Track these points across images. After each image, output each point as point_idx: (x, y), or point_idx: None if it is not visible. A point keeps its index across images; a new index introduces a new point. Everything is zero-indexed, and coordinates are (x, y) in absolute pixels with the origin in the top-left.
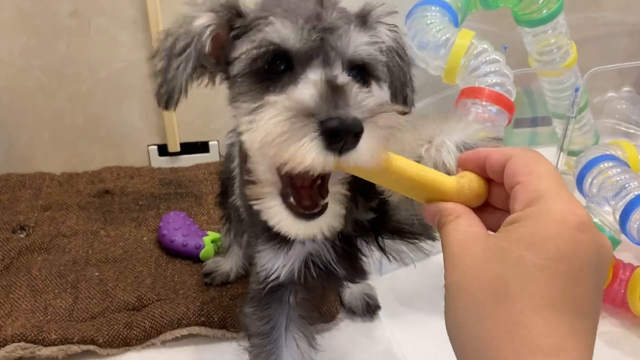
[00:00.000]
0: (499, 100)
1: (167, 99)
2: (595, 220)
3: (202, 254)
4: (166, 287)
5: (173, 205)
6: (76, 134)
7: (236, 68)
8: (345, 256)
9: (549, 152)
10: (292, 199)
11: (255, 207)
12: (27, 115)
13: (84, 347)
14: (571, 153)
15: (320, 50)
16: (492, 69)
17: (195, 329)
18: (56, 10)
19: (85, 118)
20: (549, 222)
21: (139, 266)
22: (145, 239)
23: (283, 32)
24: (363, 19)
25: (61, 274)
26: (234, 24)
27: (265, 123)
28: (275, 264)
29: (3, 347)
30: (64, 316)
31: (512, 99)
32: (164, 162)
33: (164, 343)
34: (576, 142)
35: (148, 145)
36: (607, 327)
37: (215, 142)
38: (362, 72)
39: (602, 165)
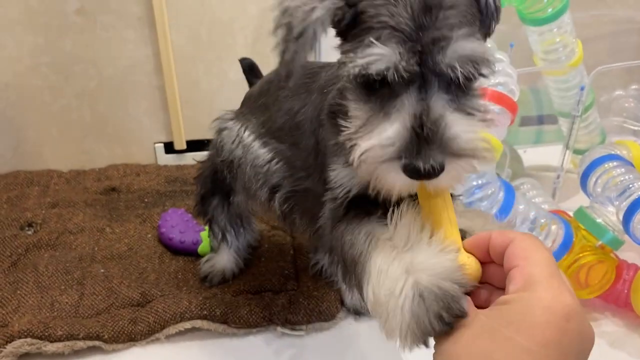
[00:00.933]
0: (502, 100)
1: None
2: (599, 220)
3: (200, 249)
4: (169, 283)
5: (178, 203)
6: (83, 130)
7: (344, 68)
8: None
9: (555, 151)
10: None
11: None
12: (34, 112)
13: (90, 343)
14: (577, 152)
15: (418, 74)
16: (496, 68)
17: (197, 322)
18: (63, 7)
19: (92, 115)
20: (539, 309)
21: (143, 262)
22: (149, 235)
23: (383, 59)
24: None
25: (67, 270)
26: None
27: (363, 147)
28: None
29: (10, 342)
30: (70, 312)
31: (516, 99)
32: (170, 160)
33: (168, 338)
34: (582, 140)
35: (154, 143)
36: (611, 327)
37: None
38: (466, 76)
39: (606, 165)
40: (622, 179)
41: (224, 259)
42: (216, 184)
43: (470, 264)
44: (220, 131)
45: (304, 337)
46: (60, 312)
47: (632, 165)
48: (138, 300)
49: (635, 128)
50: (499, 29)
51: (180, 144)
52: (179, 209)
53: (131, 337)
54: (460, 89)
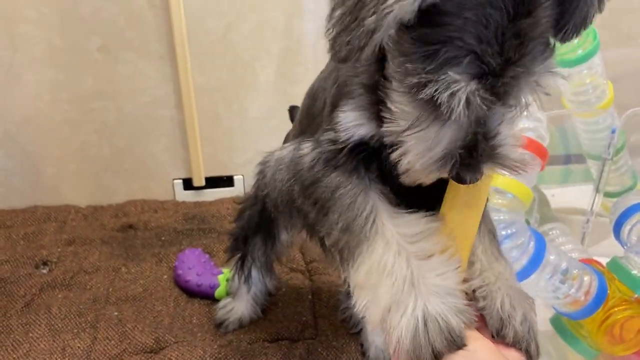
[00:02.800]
0: (531, 145)
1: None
2: (634, 272)
3: (217, 293)
4: (184, 329)
5: (195, 242)
6: (102, 166)
7: (400, 69)
8: None
9: (583, 191)
10: None
11: None
12: (54, 147)
13: None
14: (607, 194)
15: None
16: (525, 113)
17: None
18: (85, 45)
19: (111, 150)
20: None
21: (158, 305)
22: (165, 276)
23: (456, 89)
24: None
25: (81, 312)
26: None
27: (413, 156)
28: (362, 129)
29: None
30: (81, 357)
31: (546, 144)
32: (188, 196)
33: None
34: (613, 183)
35: (173, 179)
36: None
37: (240, 177)
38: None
39: None
40: None
41: (242, 306)
42: (261, 222)
43: None
44: (262, 170)
45: None
46: (71, 357)
47: None
48: (151, 347)
49: None
50: None
51: (199, 181)
52: (196, 249)
53: None
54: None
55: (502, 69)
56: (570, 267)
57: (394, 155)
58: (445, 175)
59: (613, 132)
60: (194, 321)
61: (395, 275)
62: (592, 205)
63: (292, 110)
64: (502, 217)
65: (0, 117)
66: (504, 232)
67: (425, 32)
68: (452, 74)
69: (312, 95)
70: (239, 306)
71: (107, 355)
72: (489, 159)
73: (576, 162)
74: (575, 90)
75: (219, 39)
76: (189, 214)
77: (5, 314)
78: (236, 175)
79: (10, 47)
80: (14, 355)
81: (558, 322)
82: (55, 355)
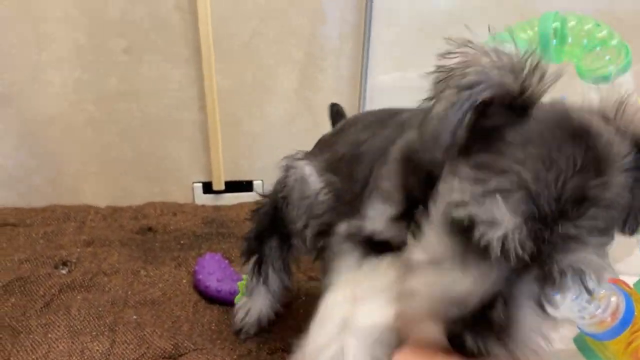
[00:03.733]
0: None
1: (433, 140)
2: None
3: (237, 299)
4: (203, 336)
5: (214, 246)
6: (123, 167)
7: (441, 192)
8: None
9: None
10: None
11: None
12: (76, 148)
13: None
14: None
15: (530, 261)
16: None
17: None
18: (111, 46)
19: (133, 152)
20: None
21: (176, 310)
22: (184, 281)
23: (497, 222)
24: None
25: (100, 315)
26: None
27: (421, 294)
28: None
29: None
30: None
31: None
32: (207, 200)
33: None
34: None
35: (193, 183)
36: None
37: (260, 182)
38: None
39: None
40: None
41: (259, 303)
42: (276, 223)
43: None
44: (287, 169)
45: None
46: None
47: None
48: (170, 353)
49: None
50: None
51: (218, 185)
52: (216, 255)
53: None
54: (554, 285)
55: (555, 220)
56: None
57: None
58: (442, 333)
59: None
60: (213, 327)
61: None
62: None
63: (333, 107)
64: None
65: (24, 116)
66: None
67: (483, 158)
68: (497, 206)
69: (359, 156)
70: (256, 304)
71: (126, 359)
72: (498, 333)
73: None
74: None
75: (244, 44)
76: (208, 217)
77: (25, 314)
78: (256, 180)
79: (37, 46)
80: (33, 356)
81: (582, 342)
82: (74, 358)
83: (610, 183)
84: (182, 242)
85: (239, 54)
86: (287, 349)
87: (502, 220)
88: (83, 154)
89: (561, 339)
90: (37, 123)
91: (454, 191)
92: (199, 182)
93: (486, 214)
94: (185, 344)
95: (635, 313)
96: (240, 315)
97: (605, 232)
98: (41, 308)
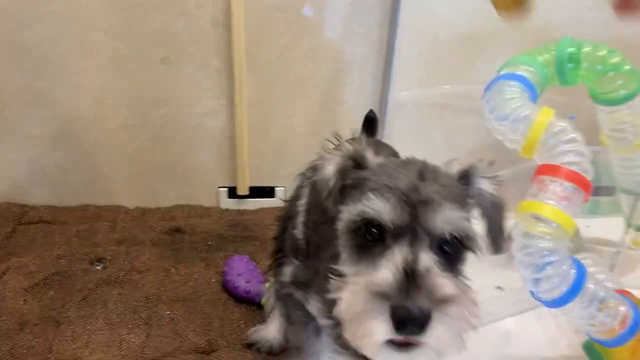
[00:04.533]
0: (577, 179)
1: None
2: None
3: (263, 301)
4: (234, 334)
5: (240, 248)
6: (153, 171)
7: (339, 225)
8: None
9: (611, 223)
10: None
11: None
12: (111, 151)
13: None
14: (637, 228)
15: (410, 226)
16: (571, 148)
17: None
18: (150, 55)
19: (163, 157)
20: None
21: (207, 308)
22: (213, 280)
23: (377, 206)
24: (464, 178)
25: (135, 309)
26: (349, 175)
27: (347, 298)
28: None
29: None
30: (136, 352)
31: (590, 178)
32: (232, 204)
33: None
34: None
35: (218, 187)
36: None
37: (282, 188)
38: (454, 245)
39: None
40: None
41: (275, 327)
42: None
43: None
44: (298, 188)
45: None
46: (127, 351)
47: None
48: (204, 348)
49: None
50: (559, 100)
51: (243, 189)
52: (244, 257)
53: None
54: (448, 259)
55: (411, 194)
56: (607, 296)
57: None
58: (384, 322)
59: None
60: (242, 326)
61: None
62: (624, 238)
63: (369, 114)
64: (545, 245)
65: (63, 117)
66: (546, 260)
67: (356, 192)
68: (372, 196)
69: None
70: (269, 331)
71: (161, 351)
72: (426, 292)
73: (604, 194)
74: (613, 127)
75: (275, 58)
76: (233, 220)
77: (64, 306)
78: (278, 186)
79: (80, 54)
80: (74, 346)
81: (590, 348)
82: (113, 349)
83: (440, 179)
84: (209, 243)
85: (270, 67)
86: None
87: (378, 203)
88: (116, 157)
89: (570, 345)
90: (74, 126)
91: (344, 210)
92: (225, 187)
93: (366, 205)
94: (219, 341)
95: None
96: (254, 337)
97: (453, 201)
98: (79, 301)
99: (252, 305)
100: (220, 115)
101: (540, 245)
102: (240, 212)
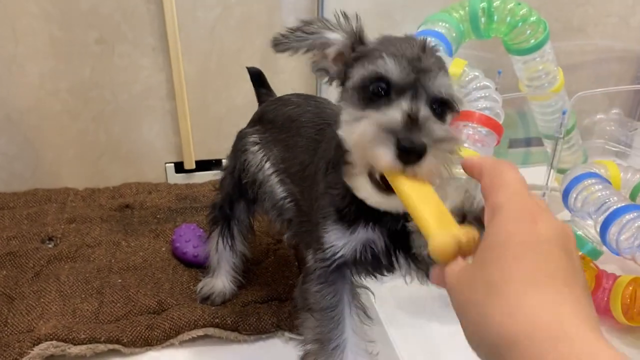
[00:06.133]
0: (489, 122)
1: (279, 47)
2: (579, 232)
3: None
4: (183, 293)
5: (189, 218)
6: (99, 151)
7: (350, 82)
8: (387, 252)
9: (541, 171)
10: (377, 177)
11: (348, 184)
12: (53, 135)
13: (110, 346)
14: (561, 171)
15: (413, 85)
16: (483, 95)
17: (210, 330)
18: (84, 37)
19: (108, 137)
20: (507, 224)
21: (158, 273)
22: (163, 249)
23: (389, 67)
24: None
25: (87, 280)
26: (356, 48)
27: (362, 129)
28: (341, 242)
29: (37, 345)
30: (90, 319)
31: (501, 122)
32: (179, 179)
33: (182, 343)
34: (566, 161)
35: (165, 163)
36: None
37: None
38: (442, 105)
39: (586, 182)
40: (599, 194)
41: (223, 279)
42: (242, 189)
43: (466, 238)
44: (244, 151)
45: None
46: (82, 318)
47: (609, 182)
48: (154, 308)
49: (617, 149)
50: (487, 57)
51: (189, 164)
52: (192, 224)
53: (148, 342)
54: (437, 115)
55: (414, 62)
56: None
57: (344, 141)
58: (389, 149)
59: (564, 113)
60: (192, 286)
61: None
62: (547, 180)
63: (251, 70)
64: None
65: (3, 105)
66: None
67: (363, 59)
68: (379, 58)
69: (303, 168)
70: (219, 282)
71: (114, 315)
72: (425, 133)
73: (535, 144)
74: (530, 76)
75: (208, 32)
76: (181, 194)
77: (17, 283)
78: (224, 159)
79: (13, 40)
80: (29, 318)
81: None
82: (67, 317)
83: (431, 52)
84: (158, 216)
85: (204, 41)
86: (259, 301)
87: (382, 61)
88: (60, 140)
89: None
90: (16, 112)
91: (351, 74)
92: (171, 162)
93: (375, 65)
94: (168, 301)
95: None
96: (205, 290)
97: (443, 71)
98: (32, 277)
99: (200, 268)
100: (159, 92)
101: (457, 185)
102: (188, 186)
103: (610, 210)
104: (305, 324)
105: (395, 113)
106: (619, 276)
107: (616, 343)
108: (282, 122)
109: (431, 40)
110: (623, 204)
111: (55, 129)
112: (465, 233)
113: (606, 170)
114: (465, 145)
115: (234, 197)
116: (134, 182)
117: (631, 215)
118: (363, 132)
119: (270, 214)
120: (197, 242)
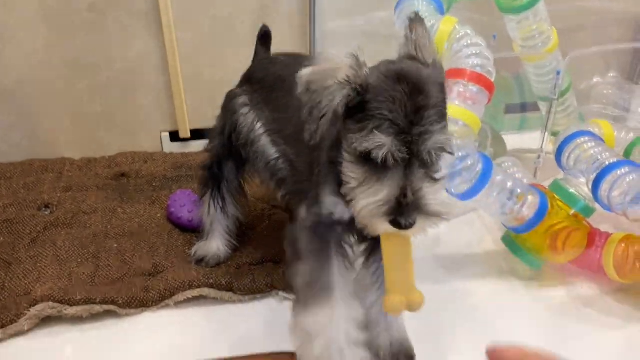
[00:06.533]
0: (480, 80)
1: (310, 138)
2: (572, 190)
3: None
4: (178, 257)
5: (184, 186)
6: (94, 121)
7: (347, 142)
8: None
9: (537, 137)
10: None
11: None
12: (48, 104)
13: (106, 307)
14: (555, 134)
15: (408, 157)
16: (474, 52)
17: (204, 291)
18: (76, 5)
19: (103, 106)
20: None
21: (153, 238)
22: (158, 215)
23: (383, 144)
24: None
25: (83, 245)
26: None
27: (363, 204)
28: (339, 208)
29: (34, 306)
30: (86, 282)
31: (492, 80)
32: (175, 148)
33: (177, 304)
34: (561, 124)
35: (161, 132)
36: (585, 290)
37: None
38: (438, 151)
39: (578, 140)
40: (592, 152)
41: (217, 242)
42: (231, 150)
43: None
44: (233, 112)
45: None
46: (78, 281)
47: (602, 141)
48: (150, 271)
49: (614, 114)
50: (481, 20)
51: (184, 133)
52: (187, 190)
53: (143, 303)
54: (431, 164)
55: (409, 128)
56: (516, 187)
57: (351, 210)
58: (387, 222)
59: (558, 73)
60: (187, 250)
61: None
62: (542, 143)
63: (263, 28)
64: (454, 142)
65: None
66: (455, 155)
67: (360, 115)
68: (378, 134)
69: (299, 130)
70: (213, 244)
71: (110, 278)
72: (416, 208)
73: (532, 110)
74: (523, 36)
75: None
76: (177, 163)
77: (14, 248)
78: None
79: (4, 9)
80: (25, 282)
81: (508, 239)
82: (63, 280)
83: (429, 93)
84: (154, 184)
85: (196, 7)
86: (254, 263)
87: (383, 141)
88: (56, 110)
89: (495, 241)
90: (10, 81)
91: (353, 142)
92: (166, 131)
93: (376, 143)
94: (163, 264)
95: (549, 210)
96: (199, 252)
97: (440, 120)
98: (29, 243)
99: (195, 233)
100: (152, 58)
101: None
102: (184, 155)
103: (603, 166)
104: (296, 272)
105: (390, 191)
106: (612, 234)
107: (609, 301)
108: (272, 82)
109: (418, 76)
110: (615, 160)
111: (51, 98)
112: (418, 297)
113: (600, 129)
114: (456, 102)
115: (222, 158)
116: (130, 151)
117: (623, 170)
118: (365, 211)
119: (263, 174)
120: (192, 207)
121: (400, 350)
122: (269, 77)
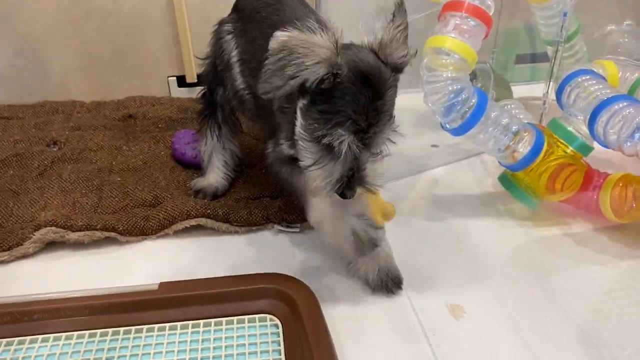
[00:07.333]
0: (478, 13)
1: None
2: (569, 128)
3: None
4: (179, 189)
5: (189, 127)
6: (104, 64)
7: (308, 126)
8: None
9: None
10: None
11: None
12: (59, 46)
13: (106, 234)
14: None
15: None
16: None
17: (202, 220)
18: None
19: (112, 49)
20: None
21: (155, 173)
22: (162, 153)
23: (344, 139)
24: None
25: (88, 178)
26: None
27: (318, 182)
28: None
29: (37, 230)
30: (89, 210)
31: (491, 13)
32: (182, 93)
33: (175, 233)
34: (569, 70)
35: (168, 77)
36: (580, 229)
37: None
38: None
39: (579, 79)
40: (592, 89)
41: (215, 175)
42: (216, 75)
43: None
44: (219, 38)
45: (299, 234)
46: (81, 209)
47: (604, 79)
48: (150, 202)
49: (630, 65)
50: None
51: (191, 77)
52: (191, 130)
53: (143, 232)
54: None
55: (368, 128)
56: (511, 123)
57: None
58: (335, 194)
59: (565, 15)
60: (188, 184)
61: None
62: (547, 88)
63: None
64: (449, 75)
65: (9, 16)
66: (450, 88)
67: (325, 107)
68: (340, 131)
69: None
70: (211, 177)
71: (112, 208)
72: (359, 183)
73: (542, 60)
74: None
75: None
76: (183, 106)
77: (22, 180)
78: None
79: None
80: (32, 210)
81: (505, 178)
82: (67, 208)
83: (386, 98)
84: (160, 125)
85: None
86: (251, 197)
87: (344, 136)
88: (66, 53)
89: (494, 184)
90: (22, 23)
91: (315, 130)
92: (174, 76)
93: (337, 137)
94: (164, 195)
95: (546, 147)
96: (198, 185)
97: (391, 121)
98: (36, 176)
99: (198, 169)
100: (160, 2)
101: (444, 75)
102: (190, 100)
103: (599, 101)
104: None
105: (341, 171)
106: (610, 174)
107: (603, 239)
108: (249, 13)
109: (378, 78)
110: (612, 95)
111: (60, 40)
112: (389, 207)
113: (604, 69)
114: (452, 35)
115: (212, 84)
116: (138, 95)
117: (620, 105)
118: (318, 187)
119: (233, 102)
120: (195, 145)
121: (387, 275)
122: (248, 8)
